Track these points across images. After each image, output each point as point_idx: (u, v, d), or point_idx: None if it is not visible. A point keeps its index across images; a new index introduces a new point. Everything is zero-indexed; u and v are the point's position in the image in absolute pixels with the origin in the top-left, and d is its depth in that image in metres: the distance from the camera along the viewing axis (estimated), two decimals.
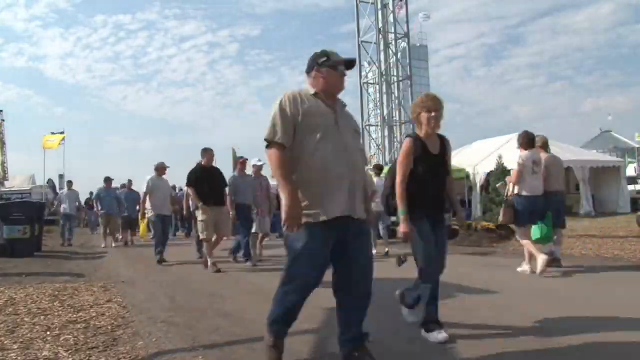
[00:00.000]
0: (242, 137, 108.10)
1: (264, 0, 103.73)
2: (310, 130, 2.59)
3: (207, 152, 7.50)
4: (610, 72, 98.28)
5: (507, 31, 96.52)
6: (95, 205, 13.50)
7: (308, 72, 2.84)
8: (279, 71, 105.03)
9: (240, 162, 8.11)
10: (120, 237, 13.00)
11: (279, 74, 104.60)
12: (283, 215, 2.56)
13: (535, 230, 5.75)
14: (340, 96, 2.89)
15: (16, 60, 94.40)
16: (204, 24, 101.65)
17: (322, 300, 4.59)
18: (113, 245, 12.34)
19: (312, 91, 2.74)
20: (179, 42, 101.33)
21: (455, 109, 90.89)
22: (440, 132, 3.44)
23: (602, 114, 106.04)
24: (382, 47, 27.04)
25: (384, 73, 27.00)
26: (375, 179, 8.36)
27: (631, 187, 20.02)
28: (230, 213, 7.36)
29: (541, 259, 5.44)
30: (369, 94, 30.05)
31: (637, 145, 35.45)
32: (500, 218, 6.17)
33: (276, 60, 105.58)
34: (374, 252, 7.46)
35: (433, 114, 3.29)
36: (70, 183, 13.96)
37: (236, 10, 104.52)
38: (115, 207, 12.42)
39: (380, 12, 27.12)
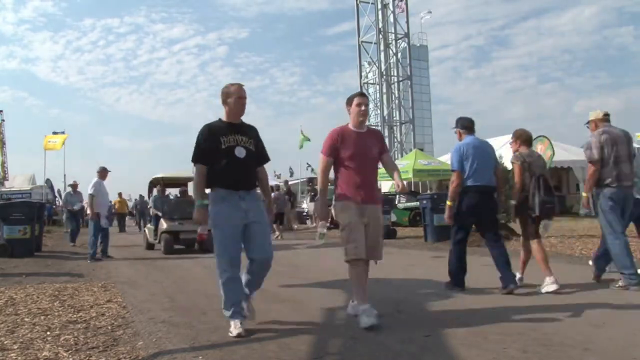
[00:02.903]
0: None
1: (248, 3, 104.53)
2: None
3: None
4: (599, 74, 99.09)
5: (493, 33, 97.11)
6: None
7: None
8: (270, 73, 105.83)
9: None
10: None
11: (269, 76, 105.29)
12: None
13: None
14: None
15: (8, 63, 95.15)
16: (191, 27, 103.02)
17: (322, 301, 4.61)
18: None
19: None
20: (168, 45, 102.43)
21: (447, 109, 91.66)
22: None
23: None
24: (382, 47, 27.03)
25: (384, 73, 27.00)
26: None
27: None
28: None
29: None
30: (369, 93, 30.06)
31: (637, 145, 35.47)
32: None
33: (266, 62, 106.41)
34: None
35: None
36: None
37: (221, 14, 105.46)
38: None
39: (380, 12, 27.12)
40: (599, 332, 3.28)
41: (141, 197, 22.03)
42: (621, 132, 4.88)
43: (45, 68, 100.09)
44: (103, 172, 9.45)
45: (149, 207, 12.92)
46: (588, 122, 5.12)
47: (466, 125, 5.05)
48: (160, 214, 11.02)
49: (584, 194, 5.09)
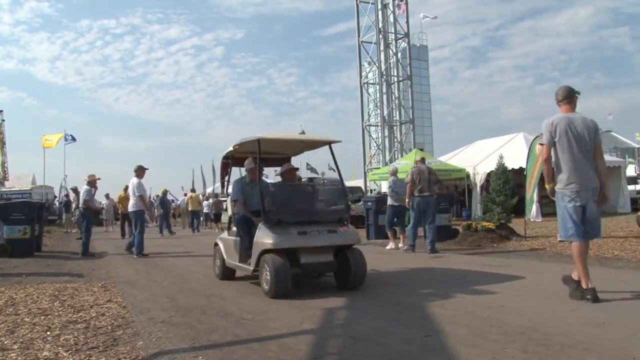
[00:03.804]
0: (236, 138, 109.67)
1: (244, 4, 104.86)
2: None
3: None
4: (595, 74, 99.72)
5: (489, 34, 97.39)
6: None
7: None
8: (267, 73, 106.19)
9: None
10: None
11: (267, 76, 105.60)
12: None
13: None
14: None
15: (6, 63, 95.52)
16: (188, 28, 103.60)
17: (321, 301, 4.61)
18: None
19: None
20: (165, 46, 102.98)
21: (445, 109, 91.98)
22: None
23: (595, 114, 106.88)
24: (382, 47, 27.02)
25: (384, 73, 26.98)
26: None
27: (631, 187, 20.03)
28: None
29: None
30: (369, 94, 30.03)
31: (637, 145, 35.44)
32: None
33: (263, 63, 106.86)
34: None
35: None
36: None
37: (217, 15, 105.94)
38: None
39: (380, 12, 27.11)
40: (599, 332, 3.28)
41: (165, 193, 19.51)
42: (425, 167, 9.10)
43: (43, 68, 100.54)
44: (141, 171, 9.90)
45: (223, 200, 7.32)
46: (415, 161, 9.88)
47: None
48: (228, 210, 6.60)
49: (406, 199, 9.03)
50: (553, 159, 4.40)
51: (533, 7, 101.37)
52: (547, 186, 4.48)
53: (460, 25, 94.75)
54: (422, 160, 9.51)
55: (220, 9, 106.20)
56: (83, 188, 10.35)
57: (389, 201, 9.70)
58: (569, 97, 4.45)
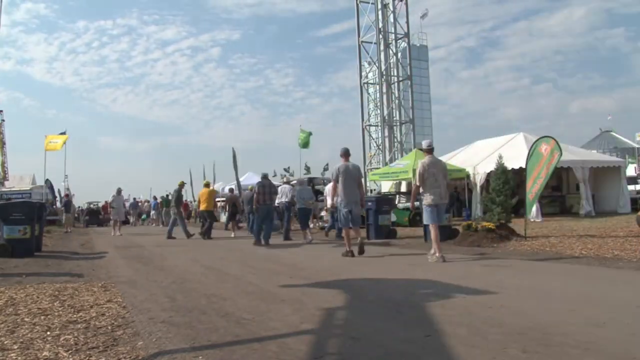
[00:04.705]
0: (235, 139, 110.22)
1: (239, 5, 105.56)
2: None
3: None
4: (592, 74, 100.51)
5: (484, 34, 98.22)
6: None
7: None
8: (264, 74, 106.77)
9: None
10: None
11: (264, 77, 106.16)
12: None
13: None
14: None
15: (3, 64, 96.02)
16: (184, 29, 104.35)
17: (321, 301, 4.60)
18: None
19: None
20: (161, 46, 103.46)
21: (443, 110, 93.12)
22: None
23: (594, 114, 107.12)
24: (382, 47, 27.03)
25: (384, 73, 26.99)
26: None
27: (631, 187, 20.03)
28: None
29: None
30: (369, 94, 30.06)
31: (637, 145, 35.45)
32: None
33: (259, 64, 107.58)
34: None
35: None
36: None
37: (213, 16, 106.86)
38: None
39: (380, 12, 27.11)
40: (599, 332, 3.28)
41: (239, 185, 16.87)
42: (268, 182, 12.05)
43: (41, 69, 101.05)
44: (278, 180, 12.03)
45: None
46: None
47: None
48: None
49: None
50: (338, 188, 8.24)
51: (527, 8, 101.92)
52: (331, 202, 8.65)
53: (455, 26, 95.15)
54: (266, 176, 12.52)
55: (216, 10, 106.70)
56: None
57: (299, 204, 12.71)
58: (348, 154, 8.37)
